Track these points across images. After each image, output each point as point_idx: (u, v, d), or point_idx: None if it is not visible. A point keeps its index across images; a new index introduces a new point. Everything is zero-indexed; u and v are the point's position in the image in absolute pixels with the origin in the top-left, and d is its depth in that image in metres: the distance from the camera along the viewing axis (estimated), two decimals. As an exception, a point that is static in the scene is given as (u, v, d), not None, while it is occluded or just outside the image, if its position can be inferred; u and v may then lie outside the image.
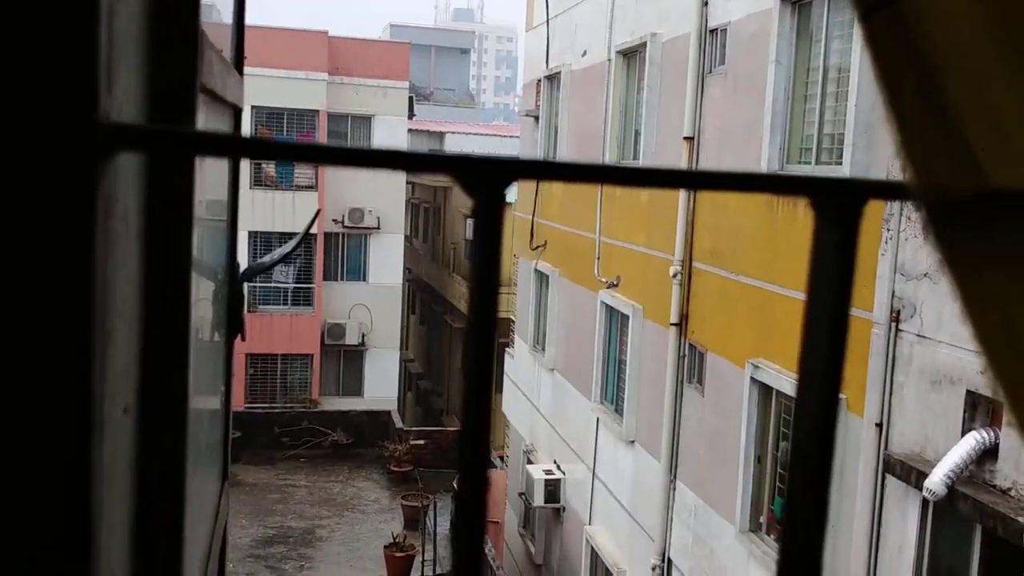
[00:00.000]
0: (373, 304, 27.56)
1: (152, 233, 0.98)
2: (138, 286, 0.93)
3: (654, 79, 11.80)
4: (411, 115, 29.03)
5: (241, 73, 2.52)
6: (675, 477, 10.98)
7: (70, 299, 0.56)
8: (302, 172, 26.26)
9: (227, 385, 2.54)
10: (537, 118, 16.82)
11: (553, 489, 14.80)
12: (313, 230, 24.96)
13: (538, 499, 14.88)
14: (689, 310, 10.70)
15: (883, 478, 7.09)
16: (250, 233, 24.43)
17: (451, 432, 24.73)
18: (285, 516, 21.37)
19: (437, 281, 30.26)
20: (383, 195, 27.23)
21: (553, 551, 15.47)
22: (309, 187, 26.38)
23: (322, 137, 26.05)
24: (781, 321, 8.55)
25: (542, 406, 16.20)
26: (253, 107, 24.99)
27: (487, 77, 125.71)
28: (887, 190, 0.52)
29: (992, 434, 6.09)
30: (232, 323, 2.43)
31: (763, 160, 9.05)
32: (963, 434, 6.26)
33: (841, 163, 7.92)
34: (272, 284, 26.58)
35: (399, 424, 25.88)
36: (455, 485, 0.49)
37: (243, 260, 2.71)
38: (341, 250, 27.66)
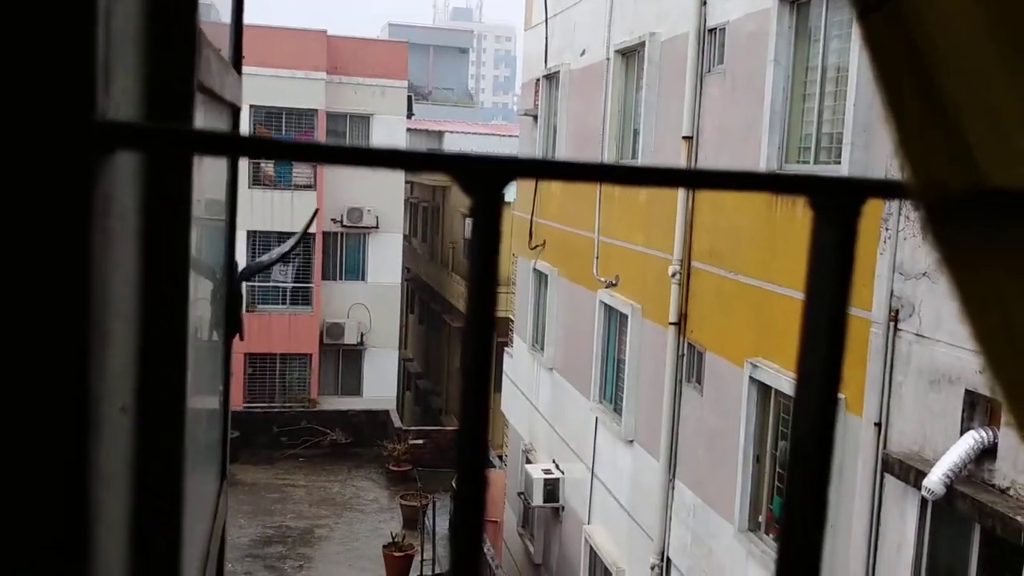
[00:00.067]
0: (372, 303, 27.56)
1: (150, 232, 0.97)
2: (136, 285, 0.93)
3: (653, 78, 11.80)
4: (410, 114, 29.03)
5: (240, 72, 2.51)
6: (674, 476, 10.99)
7: (67, 298, 0.56)
8: (301, 171, 26.26)
9: (226, 384, 2.54)
10: (536, 117, 16.83)
11: (552, 488, 14.80)
12: (312, 229, 24.94)
13: (537, 498, 14.88)
14: (688, 309, 10.70)
15: (882, 477, 7.10)
16: (248, 232, 24.41)
17: (450, 432, 24.72)
18: (284, 516, 21.36)
19: (436, 280, 30.26)
20: (382, 194, 27.23)
21: (552, 550, 15.47)
22: (308, 186, 26.38)
23: (320, 136, 26.05)
24: (780, 320, 8.55)
25: (541, 405, 16.20)
26: (251, 106, 24.99)
27: (486, 76, 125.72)
28: (886, 189, 0.52)
29: (991, 433, 6.10)
30: (230, 322, 2.43)
31: (762, 159, 9.05)
32: (962, 433, 6.26)
33: (840, 162, 7.92)
34: (271, 283, 26.58)
35: (398, 424, 25.87)
36: (454, 484, 0.49)
37: (241, 259, 2.71)
38: (340, 249, 27.66)
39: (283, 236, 23.68)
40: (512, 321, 18.37)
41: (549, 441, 15.71)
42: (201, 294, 1.69)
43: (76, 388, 0.57)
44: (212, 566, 1.95)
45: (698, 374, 10.47)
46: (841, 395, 0.52)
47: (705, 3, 10.41)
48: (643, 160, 11.97)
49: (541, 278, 16.20)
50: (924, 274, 6.76)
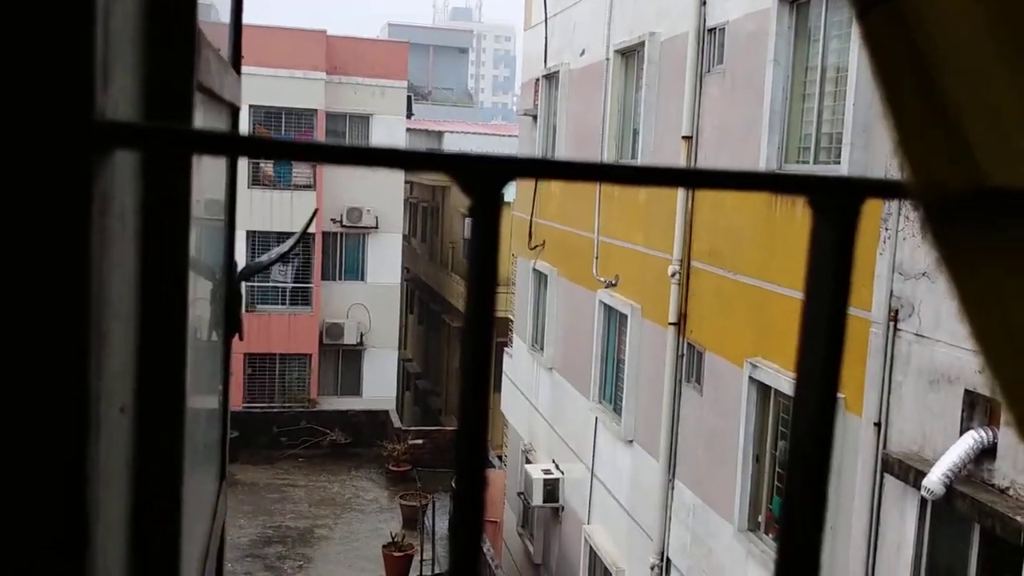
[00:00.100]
0: (371, 303, 27.56)
1: (149, 232, 0.97)
2: (135, 285, 0.93)
3: (652, 78, 11.81)
4: (409, 114, 29.04)
5: (239, 72, 2.51)
6: (674, 476, 10.99)
7: (66, 298, 0.56)
8: (300, 171, 26.26)
9: (225, 384, 2.54)
10: (535, 117, 16.83)
11: (552, 488, 14.80)
12: (311, 229, 24.95)
13: (537, 498, 14.88)
14: (687, 309, 10.70)
15: (881, 477, 7.10)
16: (248, 232, 24.41)
17: (449, 432, 24.71)
18: (283, 516, 21.36)
19: (435, 280, 30.26)
20: (381, 194, 27.23)
21: (552, 550, 15.47)
22: (307, 186, 26.38)
23: (320, 136, 26.05)
24: (779, 320, 8.56)
25: (540, 405, 16.20)
26: (251, 106, 25.00)
27: (485, 76, 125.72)
28: (885, 189, 0.52)
29: (990, 433, 6.10)
30: (230, 322, 2.43)
31: (761, 159, 9.05)
32: (961, 433, 6.26)
33: (839, 162, 7.93)
34: (270, 284, 26.58)
35: (397, 424, 25.87)
36: (453, 484, 0.49)
37: (241, 259, 2.71)
38: (339, 249, 27.66)
39: (282, 236, 23.67)
40: (512, 321, 18.37)
41: (549, 441, 15.71)
42: (200, 294, 1.69)
43: (75, 388, 0.57)
44: (212, 566, 1.95)
45: (698, 374, 10.47)
46: (841, 395, 0.52)
47: (705, 3, 10.41)
48: (643, 160, 11.97)
49: (541, 278, 16.20)
50: (924, 274, 6.76)
